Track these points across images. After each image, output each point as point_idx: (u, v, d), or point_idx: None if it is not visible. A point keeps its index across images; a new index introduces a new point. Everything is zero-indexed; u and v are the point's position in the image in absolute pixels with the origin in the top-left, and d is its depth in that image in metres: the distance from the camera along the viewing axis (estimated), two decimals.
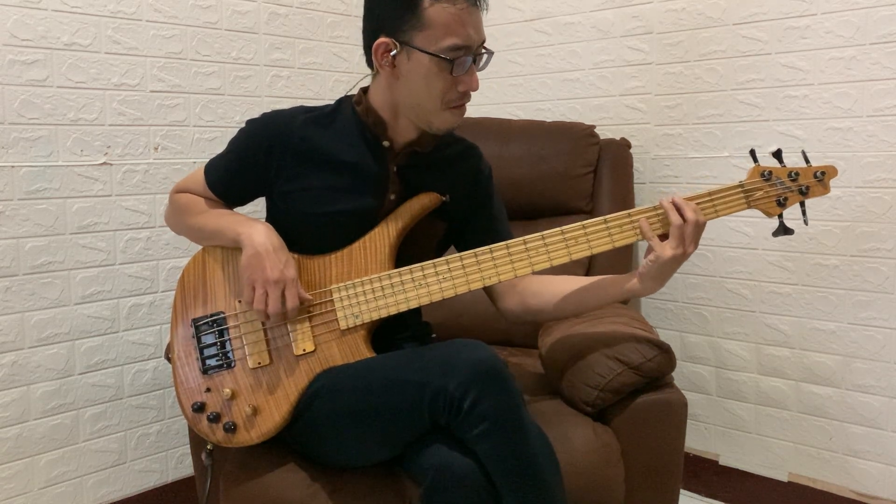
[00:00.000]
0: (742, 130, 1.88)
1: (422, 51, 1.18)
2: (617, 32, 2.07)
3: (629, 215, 1.25)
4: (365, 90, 1.31)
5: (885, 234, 1.70)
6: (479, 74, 1.25)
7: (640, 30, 2.03)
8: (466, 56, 1.19)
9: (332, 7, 2.26)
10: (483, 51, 1.23)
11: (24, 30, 1.66)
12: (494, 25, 2.30)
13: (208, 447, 1.27)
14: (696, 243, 1.22)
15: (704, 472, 2.01)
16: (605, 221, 1.26)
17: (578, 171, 1.91)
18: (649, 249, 1.24)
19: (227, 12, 2.01)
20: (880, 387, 1.73)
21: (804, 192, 1.27)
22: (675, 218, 1.21)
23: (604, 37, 2.10)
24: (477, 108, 2.38)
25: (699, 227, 1.21)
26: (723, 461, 1.99)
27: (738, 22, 1.86)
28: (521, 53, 2.26)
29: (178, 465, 1.99)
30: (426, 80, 1.20)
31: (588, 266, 1.87)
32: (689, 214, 1.20)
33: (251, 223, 1.25)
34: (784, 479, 1.89)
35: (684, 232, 1.20)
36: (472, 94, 1.25)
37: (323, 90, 2.25)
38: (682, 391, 1.45)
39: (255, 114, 1.35)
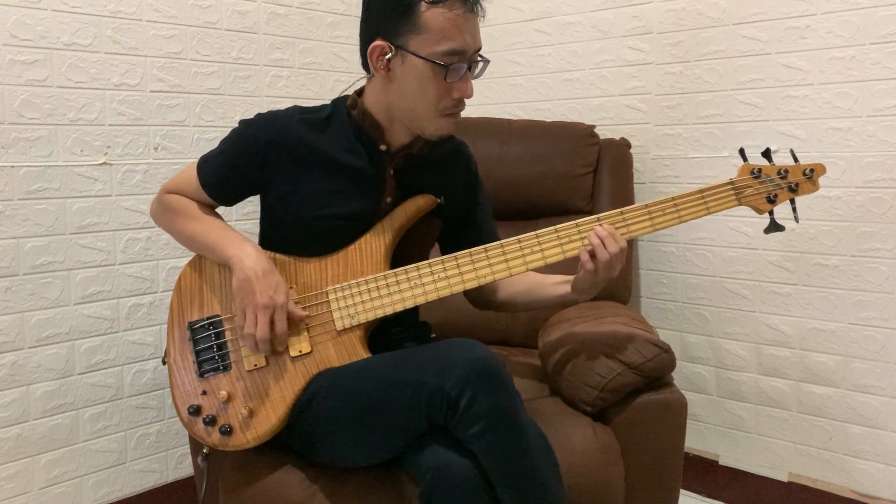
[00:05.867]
0: (742, 130, 1.88)
1: (416, 55, 1.18)
2: (617, 32, 2.07)
3: (622, 213, 1.27)
4: (360, 92, 1.31)
5: (885, 234, 1.70)
6: (479, 75, 1.25)
7: (640, 30, 2.03)
8: (461, 63, 1.19)
9: (332, 7, 2.26)
10: (479, 58, 1.23)
11: (24, 30, 1.66)
12: (494, 25, 2.30)
13: (204, 450, 1.27)
14: (619, 267, 1.25)
15: (704, 472, 2.01)
16: (599, 220, 1.27)
17: (578, 171, 1.91)
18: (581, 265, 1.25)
19: (227, 12, 2.01)
20: (880, 387, 1.73)
21: (794, 190, 1.28)
22: (601, 254, 1.23)
23: (604, 37, 2.09)
24: (477, 108, 2.38)
25: (618, 256, 1.23)
26: (723, 461, 1.99)
27: (738, 22, 1.86)
28: (521, 53, 2.26)
29: (177, 465, 1.99)
30: (420, 85, 1.20)
31: None
32: (608, 250, 1.23)
33: (241, 245, 1.23)
34: (784, 479, 1.89)
35: (609, 263, 1.24)
36: (470, 97, 1.25)
37: (323, 90, 2.25)
38: (682, 391, 1.45)
39: (256, 113, 1.34)
